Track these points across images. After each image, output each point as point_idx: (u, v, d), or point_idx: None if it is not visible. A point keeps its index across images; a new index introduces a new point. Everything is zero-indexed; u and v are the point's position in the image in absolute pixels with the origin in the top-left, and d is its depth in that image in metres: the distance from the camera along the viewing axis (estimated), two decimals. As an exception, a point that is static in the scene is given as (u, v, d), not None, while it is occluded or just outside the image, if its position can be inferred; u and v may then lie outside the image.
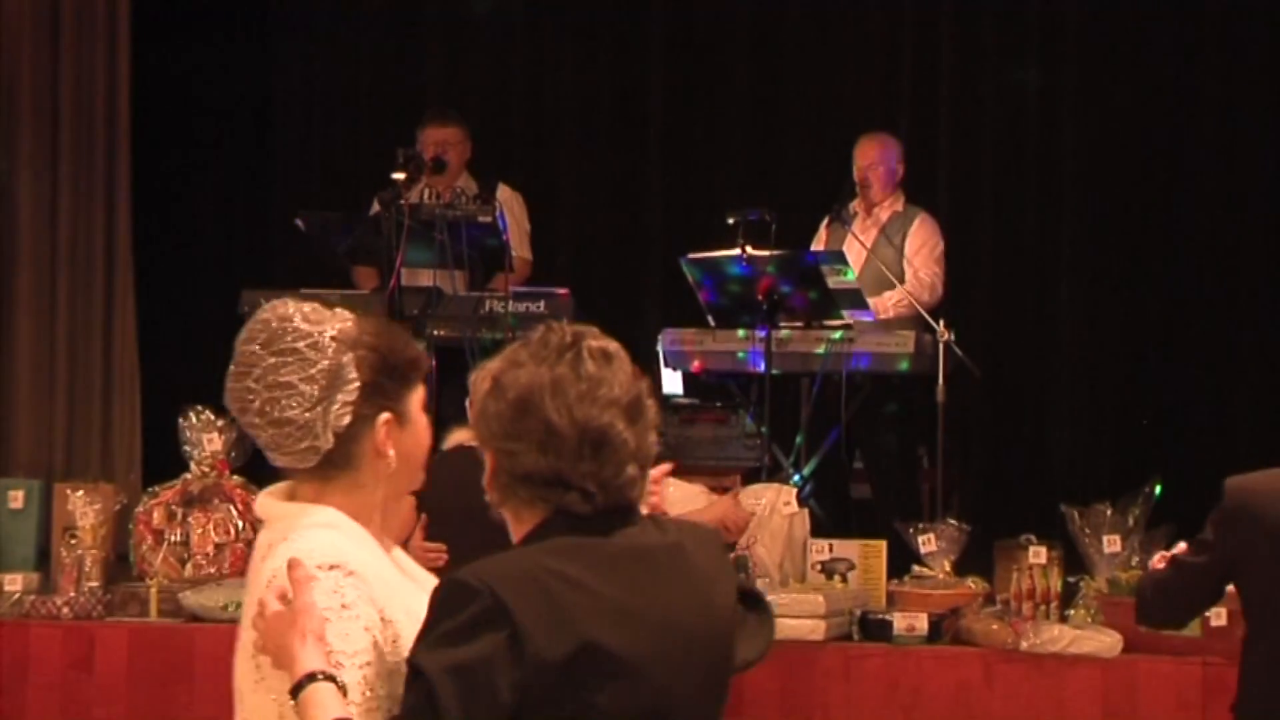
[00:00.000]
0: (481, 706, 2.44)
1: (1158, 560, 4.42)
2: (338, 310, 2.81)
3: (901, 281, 7.93)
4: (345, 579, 2.61)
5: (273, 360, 2.73)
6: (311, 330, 2.74)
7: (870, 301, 7.81)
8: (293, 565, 2.58)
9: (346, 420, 2.72)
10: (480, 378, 2.71)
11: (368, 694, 2.57)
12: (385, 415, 2.75)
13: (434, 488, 3.04)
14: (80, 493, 6.99)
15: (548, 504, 2.61)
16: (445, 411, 6.98)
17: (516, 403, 2.61)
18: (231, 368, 2.79)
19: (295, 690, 2.49)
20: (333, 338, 2.74)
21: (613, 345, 2.67)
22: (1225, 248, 9.23)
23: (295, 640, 2.51)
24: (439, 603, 2.53)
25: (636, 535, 2.62)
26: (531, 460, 2.60)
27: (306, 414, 2.71)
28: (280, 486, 2.84)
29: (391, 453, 2.75)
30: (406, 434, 2.78)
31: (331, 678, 2.49)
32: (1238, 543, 4.11)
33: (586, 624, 2.49)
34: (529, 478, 2.61)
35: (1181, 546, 4.28)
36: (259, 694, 2.65)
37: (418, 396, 2.81)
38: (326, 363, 2.72)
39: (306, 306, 2.78)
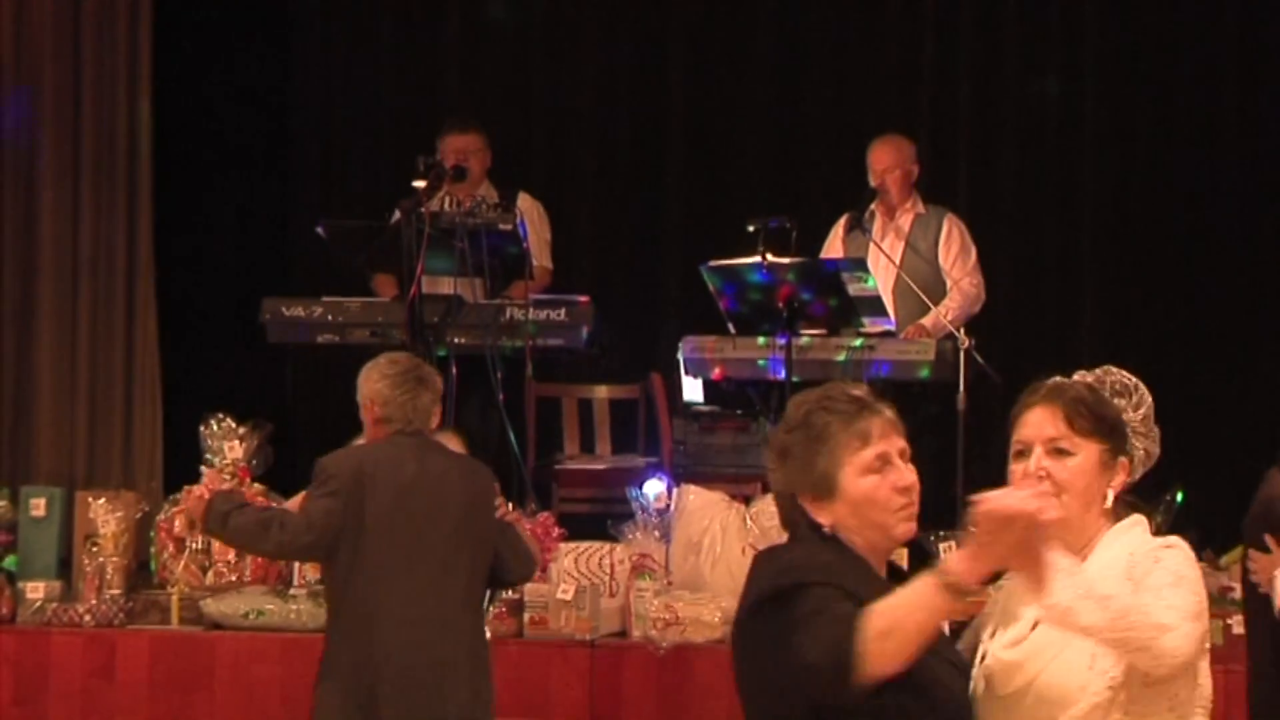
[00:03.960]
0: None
1: None
2: None
3: (936, 291, 7.93)
4: None
5: None
6: None
7: (924, 324, 7.81)
8: None
9: None
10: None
11: None
12: None
13: None
14: (102, 500, 7.00)
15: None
16: (465, 418, 7.01)
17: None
18: None
19: None
20: None
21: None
22: (1247, 255, 9.20)
23: None
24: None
25: None
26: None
27: None
28: None
29: None
30: None
31: None
32: None
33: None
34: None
35: None
36: None
37: None
38: None
39: None
